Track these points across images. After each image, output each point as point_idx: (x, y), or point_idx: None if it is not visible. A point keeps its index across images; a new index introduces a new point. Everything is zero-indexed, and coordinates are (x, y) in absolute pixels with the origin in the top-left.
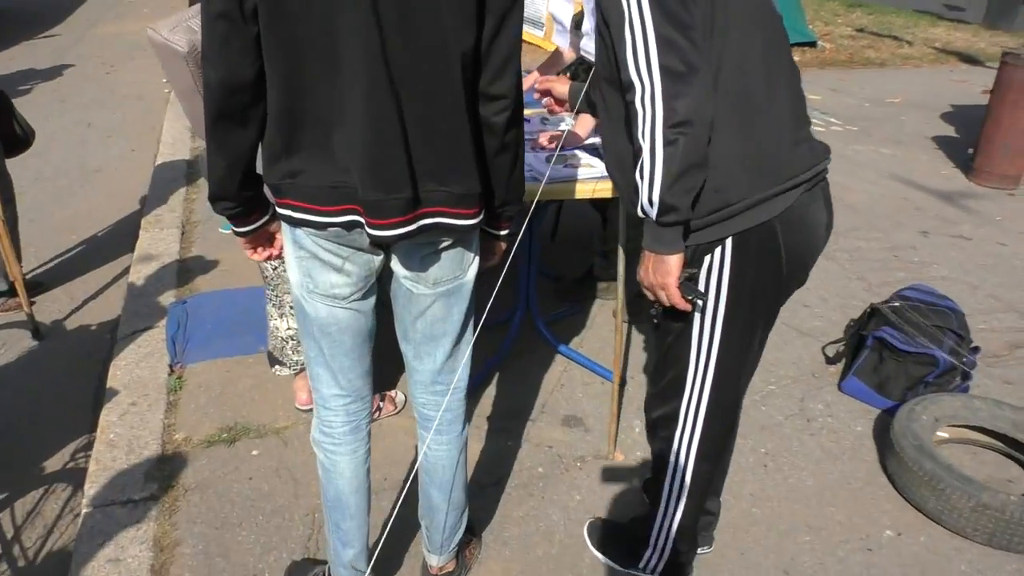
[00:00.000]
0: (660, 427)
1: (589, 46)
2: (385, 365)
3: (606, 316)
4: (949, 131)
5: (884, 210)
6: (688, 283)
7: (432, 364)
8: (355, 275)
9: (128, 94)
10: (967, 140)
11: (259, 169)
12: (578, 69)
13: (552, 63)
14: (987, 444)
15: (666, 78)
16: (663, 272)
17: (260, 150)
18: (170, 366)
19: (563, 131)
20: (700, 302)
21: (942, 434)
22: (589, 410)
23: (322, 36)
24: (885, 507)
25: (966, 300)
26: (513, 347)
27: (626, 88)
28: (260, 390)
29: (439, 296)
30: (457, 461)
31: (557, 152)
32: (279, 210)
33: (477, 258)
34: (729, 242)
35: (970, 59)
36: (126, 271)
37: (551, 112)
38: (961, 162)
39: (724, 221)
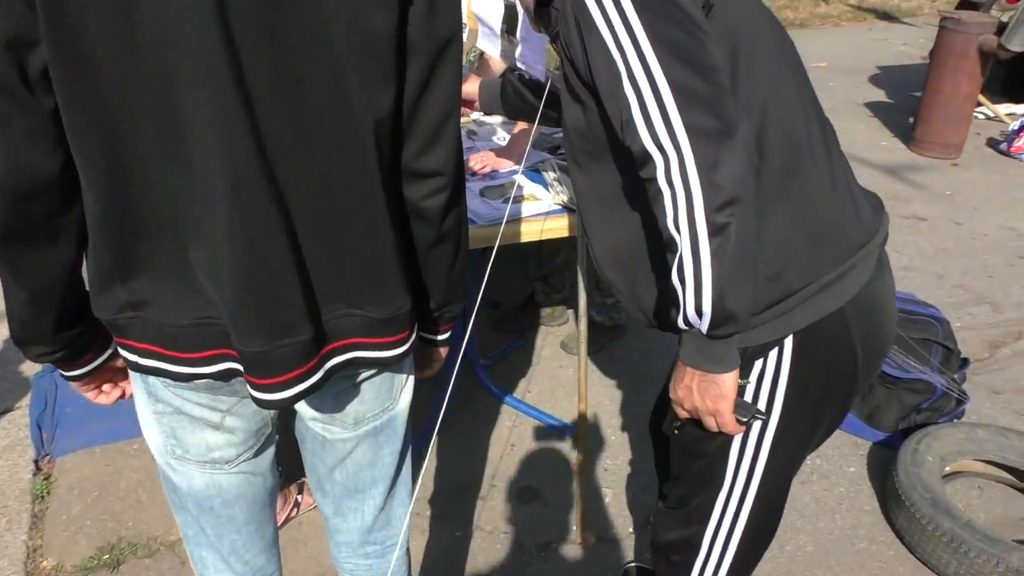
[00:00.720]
0: (673, 551)
1: (529, 56)
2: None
3: (553, 349)
4: (880, 95)
5: None
6: (740, 400)
7: (359, 522)
8: (242, 431)
9: None
10: (901, 105)
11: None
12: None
13: (480, 73)
14: (994, 476)
15: (698, 142)
16: (715, 395)
17: (86, 269)
18: (35, 461)
19: (498, 149)
20: (759, 421)
21: (946, 468)
22: (547, 476)
23: (156, 108)
24: (897, 570)
25: (933, 293)
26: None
27: (639, 162)
28: (147, 487)
29: (363, 437)
30: None
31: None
32: (121, 352)
33: (412, 378)
34: (789, 342)
35: (886, 15)
36: None
37: (468, 115)
38: (900, 131)
39: (783, 316)
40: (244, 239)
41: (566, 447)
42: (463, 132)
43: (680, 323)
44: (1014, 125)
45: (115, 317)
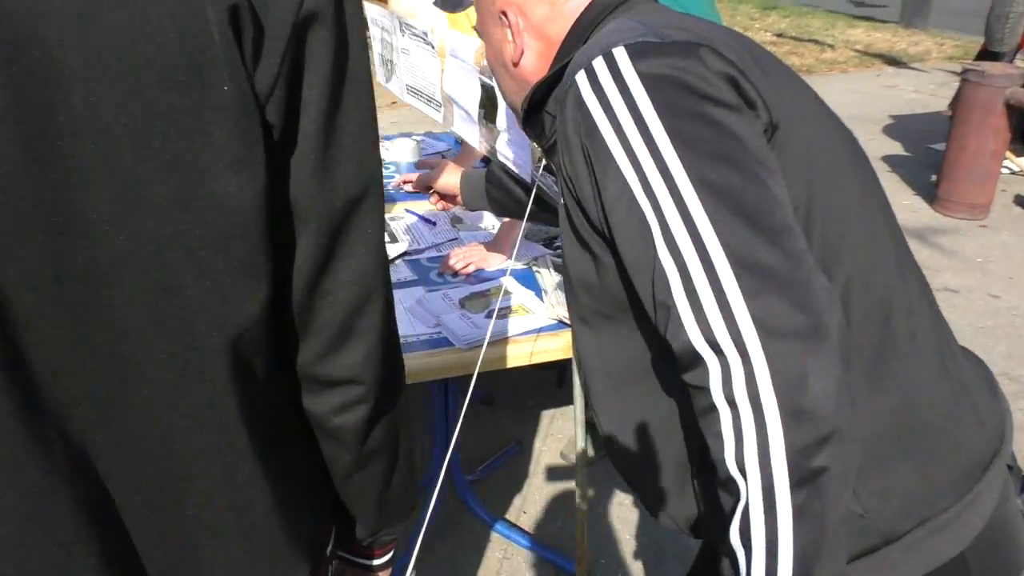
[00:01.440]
0: None
1: (513, 150)
2: None
3: (553, 457)
4: (898, 148)
5: None
6: None
7: None
8: None
9: None
10: (920, 159)
11: None
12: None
13: (463, 159)
14: None
15: (775, 345)
16: None
17: None
18: None
19: (483, 245)
20: None
21: None
22: None
23: None
24: None
25: None
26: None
27: (683, 362)
28: None
29: None
30: None
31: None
32: None
33: None
34: None
35: (894, 60)
36: None
37: (444, 208)
38: (922, 188)
39: (882, 567)
40: (19, 528)
41: None
42: (447, 219)
43: None
44: None
45: None
